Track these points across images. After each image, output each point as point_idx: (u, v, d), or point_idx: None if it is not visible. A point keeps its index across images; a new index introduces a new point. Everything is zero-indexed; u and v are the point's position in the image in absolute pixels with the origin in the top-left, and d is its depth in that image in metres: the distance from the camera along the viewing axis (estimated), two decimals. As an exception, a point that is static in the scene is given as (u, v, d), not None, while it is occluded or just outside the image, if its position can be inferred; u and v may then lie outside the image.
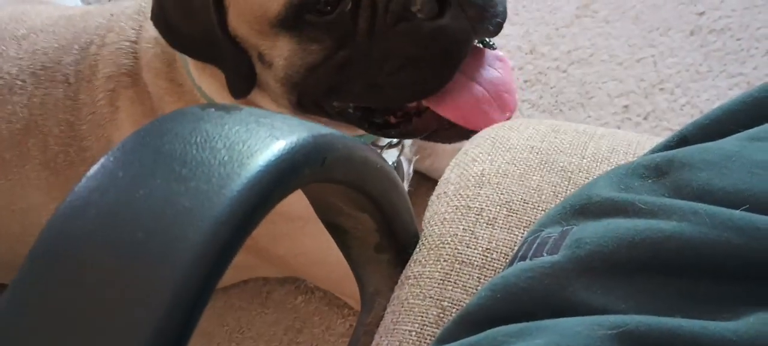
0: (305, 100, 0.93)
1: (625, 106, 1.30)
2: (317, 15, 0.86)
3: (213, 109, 0.41)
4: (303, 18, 0.86)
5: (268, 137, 0.39)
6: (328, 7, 0.85)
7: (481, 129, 0.70)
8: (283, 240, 1.06)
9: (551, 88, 1.34)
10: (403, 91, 0.88)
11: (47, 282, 0.34)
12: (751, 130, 0.49)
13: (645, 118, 1.28)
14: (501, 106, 0.91)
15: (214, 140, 0.39)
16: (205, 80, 0.97)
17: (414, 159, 1.17)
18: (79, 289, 0.34)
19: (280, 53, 0.89)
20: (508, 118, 0.91)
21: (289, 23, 0.87)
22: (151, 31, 0.99)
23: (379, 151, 1.04)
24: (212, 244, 0.35)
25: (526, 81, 1.36)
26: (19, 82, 1.04)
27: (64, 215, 0.36)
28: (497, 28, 0.87)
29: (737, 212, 0.44)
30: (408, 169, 1.15)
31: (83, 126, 1.02)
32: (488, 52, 0.94)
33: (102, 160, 0.38)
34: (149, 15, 0.95)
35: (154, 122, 0.40)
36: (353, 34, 0.86)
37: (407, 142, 1.10)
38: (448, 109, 0.90)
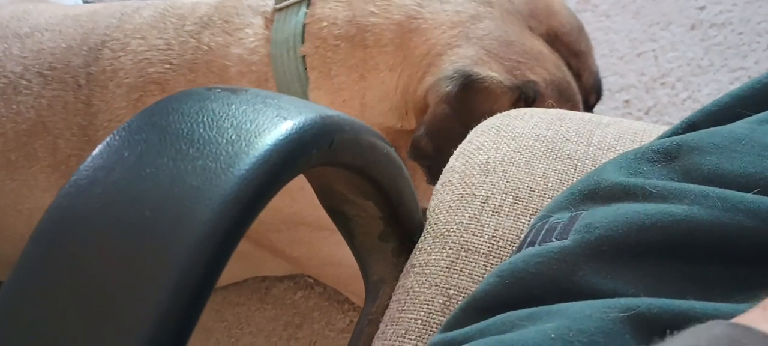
0: None
1: (626, 101, 1.30)
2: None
3: (219, 89, 0.40)
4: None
5: (275, 117, 0.39)
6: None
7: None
8: (301, 246, 1.06)
9: (552, 82, 1.34)
10: None
11: (52, 260, 0.34)
12: (760, 114, 0.49)
13: (646, 113, 1.28)
14: None
15: (221, 119, 0.38)
16: (339, 108, 0.94)
17: None
18: (85, 267, 0.34)
19: None
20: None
21: None
22: (235, 49, 0.95)
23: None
24: (220, 222, 0.34)
25: (526, 76, 1.35)
26: (25, 82, 1.01)
27: (69, 193, 0.35)
28: None
29: (749, 194, 0.43)
30: None
31: (99, 132, 0.99)
32: None
33: (107, 139, 0.37)
34: (203, 25, 0.94)
35: (160, 102, 0.39)
36: None
37: None
38: None
